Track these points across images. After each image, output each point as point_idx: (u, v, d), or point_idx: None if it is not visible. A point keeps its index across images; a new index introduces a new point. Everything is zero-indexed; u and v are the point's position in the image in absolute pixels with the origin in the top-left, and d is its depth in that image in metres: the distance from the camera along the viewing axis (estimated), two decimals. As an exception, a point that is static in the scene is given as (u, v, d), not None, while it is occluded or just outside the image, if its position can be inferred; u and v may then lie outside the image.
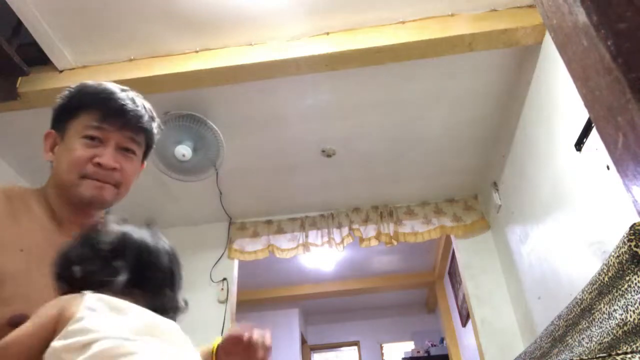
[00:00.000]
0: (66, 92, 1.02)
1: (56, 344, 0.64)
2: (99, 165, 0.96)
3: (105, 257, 0.76)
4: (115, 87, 1.02)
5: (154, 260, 0.81)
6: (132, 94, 1.04)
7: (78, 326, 0.65)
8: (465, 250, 3.42)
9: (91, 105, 0.99)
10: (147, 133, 1.06)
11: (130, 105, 1.00)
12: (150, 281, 0.79)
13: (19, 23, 2.00)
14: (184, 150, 2.42)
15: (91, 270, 0.75)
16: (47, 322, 0.67)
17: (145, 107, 1.05)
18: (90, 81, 1.04)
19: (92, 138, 0.97)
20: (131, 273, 0.76)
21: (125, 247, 0.79)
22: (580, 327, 1.63)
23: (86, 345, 0.62)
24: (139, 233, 0.82)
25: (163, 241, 0.85)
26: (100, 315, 0.67)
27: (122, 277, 0.74)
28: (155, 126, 1.08)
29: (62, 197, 0.99)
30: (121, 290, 0.74)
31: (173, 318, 0.79)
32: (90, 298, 0.70)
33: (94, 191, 0.97)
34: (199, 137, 2.47)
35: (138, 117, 1.01)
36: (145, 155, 1.11)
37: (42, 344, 0.65)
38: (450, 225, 3.44)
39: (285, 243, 3.52)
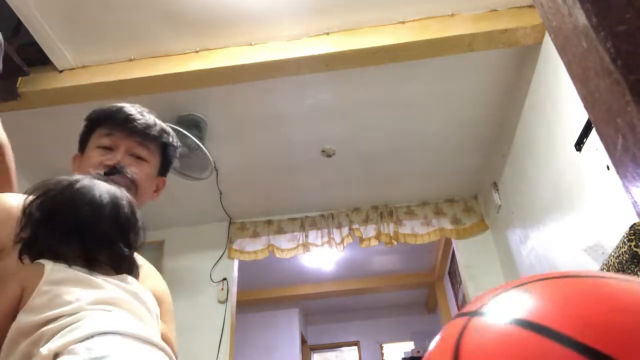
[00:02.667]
0: (85, 119, 1.11)
1: (21, 318, 0.66)
2: (106, 166, 1.00)
3: (46, 218, 0.77)
4: (125, 104, 1.10)
5: (95, 217, 0.78)
6: (142, 109, 1.12)
7: (40, 301, 0.67)
8: (465, 251, 3.42)
9: (103, 121, 1.07)
10: (159, 143, 1.10)
11: (137, 115, 1.08)
12: (94, 240, 0.77)
13: (19, 23, 2.00)
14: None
15: (40, 235, 0.76)
16: (10, 297, 0.69)
17: (155, 120, 1.11)
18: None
19: (104, 148, 1.04)
20: (79, 235, 0.76)
21: (62, 204, 0.78)
22: (580, 327, 1.63)
23: (50, 321, 0.64)
24: (82, 185, 0.81)
25: (106, 188, 0.83)
26: (62, 288, 0.69)
27: (69, 243, 0.75)
28: (170, 140, 1.13)
29: None
30: (76, 256, 0.75)
31: (131, 271, 0.81)
32: (51, 271, 0.71)
33: None
34: (186, 145, 2.46)
35: (145, 125, 1.07)
36: (164, 169, 1.15)
37: (6, 321, 0.67)
38: (450, 227, 3.45)
39: (285, 243, 3.52)
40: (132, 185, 1.01)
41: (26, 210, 0.77)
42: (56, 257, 0.74)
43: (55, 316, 0.65)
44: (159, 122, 1.12)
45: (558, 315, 0.31)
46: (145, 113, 1.10)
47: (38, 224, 0.76)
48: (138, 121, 1.06)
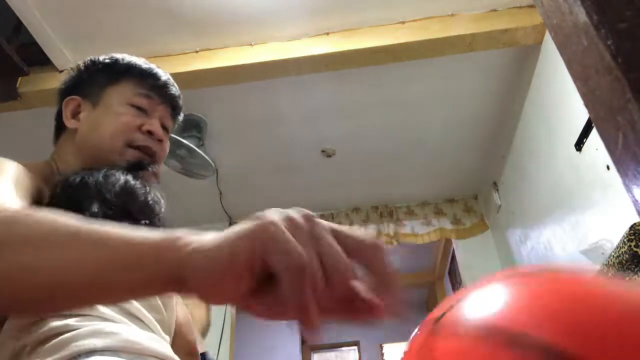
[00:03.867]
0: (100, 60, 0.96)
1: (10, 319, 0.64)
2: (149, 133, 0.90)
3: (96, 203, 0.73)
4: (155, 65, 1.01)
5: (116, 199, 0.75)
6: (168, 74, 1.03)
7: None
8: (465, 251, 3.42)
9: (140, 75, 0.95)
10: (179, 115, 1.03)
11: (171, 82, 1.00)
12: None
13: (19, 23, 2.00)
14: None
15: None
16: None
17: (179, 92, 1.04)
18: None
19: (139, 109, 0.92)
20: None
21: (82, 190, 0.75)
22: (580, 327, 1.63)
23: (32, 323, 0.62)
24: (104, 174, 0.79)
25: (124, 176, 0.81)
26: None
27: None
28: (181, 116, 1.06)
29: (90, 165, 0.89)
30: None
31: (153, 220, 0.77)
32: None
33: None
34: (186, 148, 2.46)
35: (178, 96, 1.01)
36: None
37: None
38: (450, 228, 3.45)
39: (285, 243, 3.52)
40: (158, 161, 0.93)
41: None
42: None
43: (36, 319, 0.62)
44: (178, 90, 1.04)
45: (525, 318, 0.30)
46: (172, 80, 1.02)
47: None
48: (174, 88, 0.99)
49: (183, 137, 2.46)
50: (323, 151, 2.92)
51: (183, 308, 0.89)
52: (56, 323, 0.61)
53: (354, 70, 2.24)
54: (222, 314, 3.24)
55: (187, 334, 0.87)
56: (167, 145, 0.97)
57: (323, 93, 2.46)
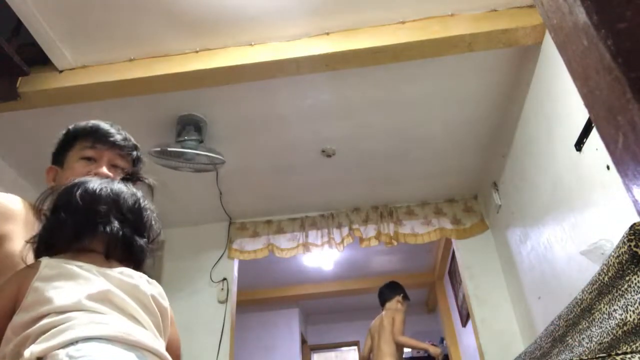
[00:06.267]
0: (60, 135, 1.22)
1: (15, 318, 0.66)
2: (96, 175, 1.06)
3: (55, 215, 0.79)
4: (99, 121, 1.23)
5: (100, 208, 0.80)
6: (115, 125, 1.24)
7: (30, 299, 0.67)
8: (465, 251, 3.42)
9: (84, 135, 1.18)
10: (132, 154, 1.22)
11: (114, 130, 1.21)
12: (103, 233, 0.78)
13: (19, 23, 2.00)
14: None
15: (46, 232, 0.78)
16: (4, 298, 0.69)
17: (127, 135, 1.24)
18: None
19: (88, 159, 1.15)
20: (78, 226, 0.77)
21: (69, 199, 0.80)
22: (580, 327, 1.63)
23: (36, 319, 0.64)
24: (89, 183, 0.84)
25: (118, 186, 0.87)
26: (51, 285, 0.68)
27: (69, 234, 0.77)
28: (139, 154, 1.25)
29: None
30: (75, 248, 0.75)
31: (141, 265, 0.81)
32: (44, 267, 0.70)
33: None
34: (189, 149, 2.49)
35: (124, 138, 1.21)
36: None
37: (3, 322, 0.67)
38: (450, 228, 3.45)
39: (285, 243, 3.52)
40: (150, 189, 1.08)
41: (51, 207, 0.80)
42: (67, 250, 0.74)
43: (41, 315, 0.64)
44: (130, 137, 1.25)
45: None
46: (119, 129, 1.23)
47: (61, 218, 0.77)
48: (117, 135, 1.20)
49: (183, 138, 2.46)
50: (323, 151, 2.92)
51: (176, 330, 0.94)
52: (57, 317, 0.64)
53: (354, 70, 2.24)
54: (222, 314, 3.25)
55: (176, 349, 0.91)
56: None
57: (323, 93, 2.46)
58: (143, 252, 0.82)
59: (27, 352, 0.59)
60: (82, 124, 1.21)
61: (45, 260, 0.72)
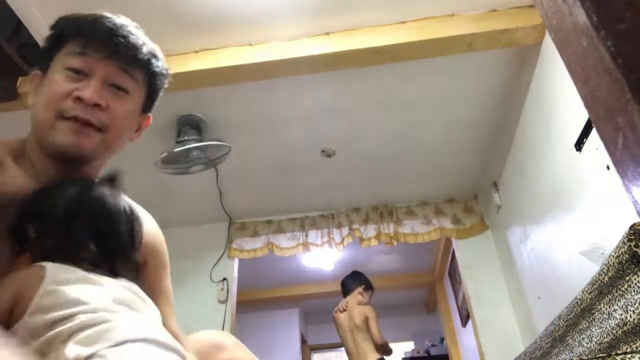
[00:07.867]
0: (52, 24, 0.85)
1: (30, 319, 0.63)
2: (78, 100, 0.77)
3: (61, 222, 0.74)
4: (108, 13, 0.84)
5: (115, 227, 0.78)
6: (127, 21, 0.85)
7: (49, 301, 0.64)
8: (465, 250, 3.42)
9: (75, 33, 0.80)
10: (148, 69, 0.86)
11: (121, 30, 0.81)
12: (110, 248, 0.77)
13: (19, 23, 2.00)
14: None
15: (47, 235, 0.74)
16: (3, 304, 0.66)
17: (144, 38, 0.86)
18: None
19: (75, 71, 0.79)
20: (89, 239, 0.75)
21: (82, 211, 0.76)
22: (580, 327, 1.63)
23: (62, 320, 0.62)
24: (100, 194, 0.79)
25: (123, 201, 0.82)
26: (74, 287, 0.67)
27: (81, 247, 0.74)
28: (160, 67, 0.89)
29: (40, 148, 0.82)
30: (80, 259, 0.73)
31: (130, 278, 0.79)
32: (56, 272, 0.69)
33: (71, 137, 0.77)
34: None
35: (132, 45, 0.81)
36: (149, 104, 0.93)
37: None
38: (450, 228, 3.45)
39: (285, 242, 3.52)
40: (103, 128, 0.80)
41: (36, 210, 0.75)
42: (65, 259, 0.72)
43: (68, 315, 0.63)
44: (147, 40, 0.86)
45: None
46: (131, 27, 0.84)
47: (52, 226, 0.75)
48: (121, 38, 0.80)
49: (183, 138, 2.46)
50: (323, 151, 2.92)
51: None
52: (88, 316, 0.62)
53: (354, 70, 2.24)
54: (222, 313, 3.25)
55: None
56: (119, 108, 0.81)
57: (323, 93, 2.46)
58: (130, 262, 0.82)
59: (70, 352, 0.57)
60: (79, 15, 0.83)
61: (50, 265, 0.70)
